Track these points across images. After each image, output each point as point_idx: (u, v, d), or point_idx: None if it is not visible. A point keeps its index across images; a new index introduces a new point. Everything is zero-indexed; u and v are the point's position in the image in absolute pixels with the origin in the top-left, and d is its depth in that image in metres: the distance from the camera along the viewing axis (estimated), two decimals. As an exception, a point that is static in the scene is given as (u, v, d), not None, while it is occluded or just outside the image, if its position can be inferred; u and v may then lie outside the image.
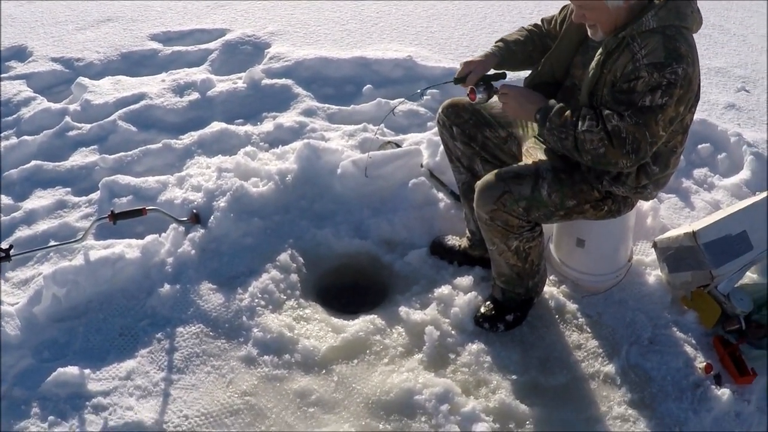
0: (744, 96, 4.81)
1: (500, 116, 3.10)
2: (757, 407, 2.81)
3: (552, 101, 2.66)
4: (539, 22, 3.07)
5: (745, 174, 3.96)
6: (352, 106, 4.57)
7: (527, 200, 2.72)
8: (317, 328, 3.02)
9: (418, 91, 3.75)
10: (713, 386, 2.83)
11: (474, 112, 3.11)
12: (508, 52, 2.97)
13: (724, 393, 2.78)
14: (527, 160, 2.94)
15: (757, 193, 3.66)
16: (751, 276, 3.26)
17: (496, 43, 3.02)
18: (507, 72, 2.97)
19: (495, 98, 2.88)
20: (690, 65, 2.46)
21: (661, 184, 2.82)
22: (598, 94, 2.60)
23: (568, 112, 2.59)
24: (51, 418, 2.68)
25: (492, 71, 2.94)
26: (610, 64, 2.54)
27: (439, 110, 3.20)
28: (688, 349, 2.98)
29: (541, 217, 2.78)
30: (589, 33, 2.66)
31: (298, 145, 3.83)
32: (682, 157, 2.87)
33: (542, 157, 2.89)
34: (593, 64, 2.60)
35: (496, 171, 2.79)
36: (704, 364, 2.90)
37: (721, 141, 4.23)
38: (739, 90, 4.88)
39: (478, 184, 2.80)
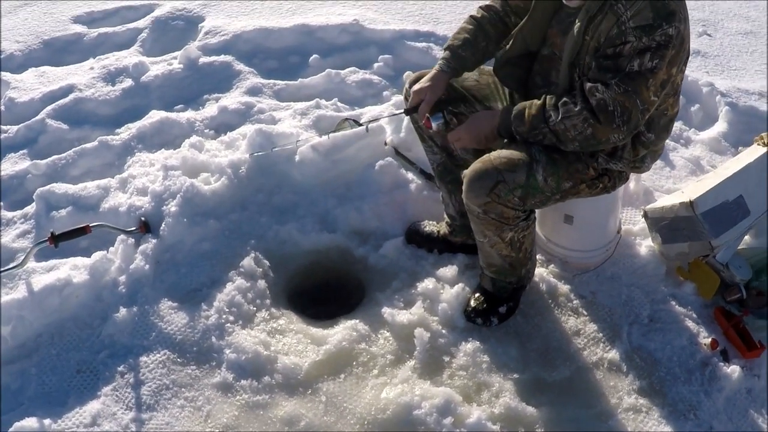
0: (707, 41, 4.64)
1: (475, 89, 2.83)
2: (768, 381, 2.68)
3: (507, 108, 2.45)
4: (491, 2, 2.78)
5: (721, 126, 3.82)
6: (299, 79, 4.22)
7: (523, 188, 2.43)
8: (295, 341, 2.73)
9: (364, 124, 3.24)
10: (721, 363, 2.70)
11: (447, 87, 2.76)
12: (458, 61, 2.68)
13: (734, 370, 2.66)
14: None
15: (740, 148, 3.52)
16: (745, 240, 3.10)
17: (443, 53, 2.71)
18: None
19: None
20: (681, 22, 2.25)
21: (658, 155, 2.63)
22: (581, 64, 2.37)
23: (528, 112, 2.38)
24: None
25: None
26: (592, 30, 2.31)
27: (405, 86, 2.89)
28: (690, 324, 2.82)
29: (537, 204, 2.53)
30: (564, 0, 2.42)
31: (247, 130, 3.50)
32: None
33: None
34: (574, 31, 2.36)
35: (484, 157, 2.49)
36: (709, 339, 2.75)
37: (692, 92, 4.06)
38: (701, 35, 4.69)
39: (466, 173, 2.50)
